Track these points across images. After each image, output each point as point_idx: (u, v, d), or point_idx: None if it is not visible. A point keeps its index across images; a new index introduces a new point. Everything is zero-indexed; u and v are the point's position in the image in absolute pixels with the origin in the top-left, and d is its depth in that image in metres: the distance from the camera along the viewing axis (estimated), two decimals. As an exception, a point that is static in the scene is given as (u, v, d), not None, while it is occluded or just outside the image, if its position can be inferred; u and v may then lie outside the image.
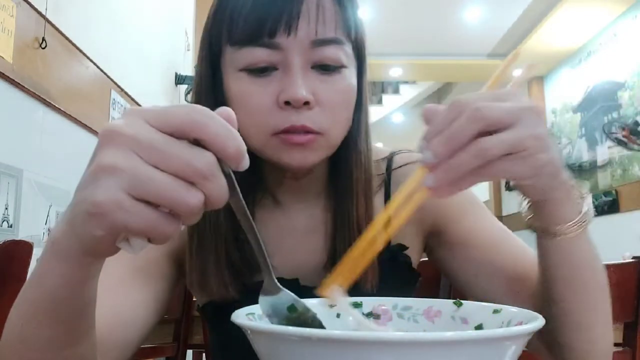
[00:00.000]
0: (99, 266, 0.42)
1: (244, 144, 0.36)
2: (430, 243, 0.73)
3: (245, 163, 0.36)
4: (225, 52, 0.61)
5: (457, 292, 0.73)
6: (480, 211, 0.71)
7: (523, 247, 0.68)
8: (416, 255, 0.73)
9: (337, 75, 0.60)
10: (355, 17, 0.62)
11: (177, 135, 0.34)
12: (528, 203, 0.55)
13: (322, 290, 0.44)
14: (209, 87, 0.63)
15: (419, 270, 0.74)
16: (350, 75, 0.61)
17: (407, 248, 0.70)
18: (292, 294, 0.44)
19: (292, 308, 0.44)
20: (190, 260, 0.65)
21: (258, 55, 0.57)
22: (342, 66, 0.60)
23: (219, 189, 0.35)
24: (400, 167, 0.73)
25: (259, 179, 0.68)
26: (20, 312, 0.45)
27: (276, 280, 0.44)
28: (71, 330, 0.44)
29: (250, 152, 0.62)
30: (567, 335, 0.57)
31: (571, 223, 0.52)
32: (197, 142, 0.35)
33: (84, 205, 0.34)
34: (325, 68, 0.59)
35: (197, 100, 0.64)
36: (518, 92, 0.43)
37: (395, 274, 0.68)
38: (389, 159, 0.74)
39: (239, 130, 0.58)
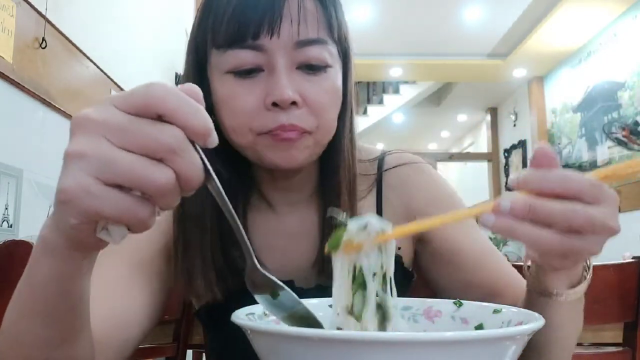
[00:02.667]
0: (89, 262, 0.42)
1: (209, 119, 0.35)
2: (418, 249, 0.74)
3: (213, 139, 0.35)
4: (211, 56, 0.61)
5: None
6: (467, 222, 0.72)
7: (504, 263, 0.70)
8: (408, 256, 0.73)
9: (322, 74, 0.60)
10: (339, 17, 0.63)
11: (143, 114, 0.34)
12: (530, 266, 0.55)
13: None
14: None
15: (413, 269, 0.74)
16: (335, 74, 0.62)
17: (399, 248, 0.70)
18: (270, 276, 0.44)
19: (274, 293, 0.45)
20: (176, 263, 0.65)
21: (243, 57, 0.58)
22: (327, 66, 0.60)
23: (191, 165, 0.34)
24: (392, 168, 0.73)
25: (250, 181, 0.69)
26: (14, 310, 0.45)
27: (258, 265, 0.43)
28: (64, 328, 0.44)
29: (239, 154, 0.63)
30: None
31: (574, 289, 0.52)
32: (164, 121, 0.34)
33: (56, 194, 0.34)
34: (311, 68, 0.60)
35: None
36: (616, 201, 0.42)
37: None
38: (380, 160, 0.75)
39: (226, 132, 0.60)
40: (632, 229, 4.36)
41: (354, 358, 0.33)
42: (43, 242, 0.40)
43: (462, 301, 0.51)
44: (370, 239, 0.44)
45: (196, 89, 0.36)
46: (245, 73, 0.59)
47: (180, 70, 3.10)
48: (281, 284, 0.45)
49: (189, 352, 1.64)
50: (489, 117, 7.90)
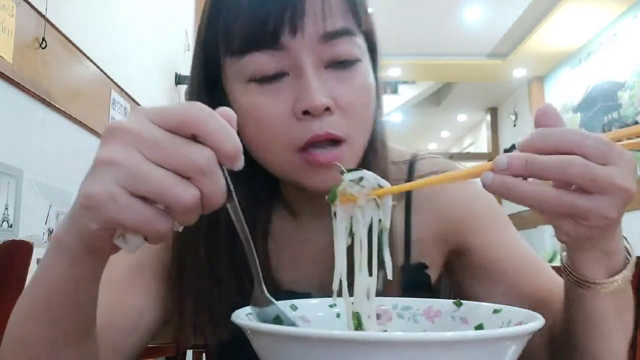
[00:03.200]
0: (101, 266, 0.42)
1: (240, 143, 0.36)
2: (452, 262, 0.69)
3: (240, 163, 0.36)
4: (225, 65, 0.56)
5: (458, 292, 0.71)
6: (506, 229, 0.68)
7: (545, 270, 0.65)
8: (436, 274, 0.69)
9: (353, 70, 0.55)
10: (365, 5, 0.57)
11: (178, 132, 0.35)
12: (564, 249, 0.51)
13: None
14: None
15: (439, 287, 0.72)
16: (366, 69, 0.56)
17: (427, 267, 0.66)
18: (280, 307, 0.44)
19: (277, 319, 0.44)
20: (170, 296, 0.62)
21: (264, 62, 0.52)
22: (357, 60, 0.55)
23: (217, 186, 0.35)
24: (423, 175, 0.67)
25: (275, 191, 0.64)
26: (21, 311, 0.45)
27: (266, 292, 0.44)
28: (71, 329, 0.44)
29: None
30: None
31: (605, 280, 0.47)
32: (196, 140, 0.35)
33: (81, 198, 0.35)
34: (340, 64, 0.54)
35: None
36: (629, 161, 0.39)
37: (413, 293, 0.65)
38: (411, 164, 0.69)
39: (255, 148, 0.55)
40: (632, 229, 4.35)
41: (354, 358, 0.33)
42: (57, 242, 0.40)
43: (462, 301, 0.51)
44: (364, 192, 0.44)
45: (231, 112, 0.37)
46: (268, 80, 0.53)
47: (181, 70, 3.07)
48: (287, 316, 0.44)
49: (189, 352, 1.64)
50: (489, 117, 7.90)
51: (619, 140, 0.41)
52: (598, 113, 5.10)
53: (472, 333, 0.34)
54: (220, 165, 0.35)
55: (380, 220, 0.45)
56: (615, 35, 4.82)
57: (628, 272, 0.47)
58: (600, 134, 0.40)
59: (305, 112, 0.52)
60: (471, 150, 9.22)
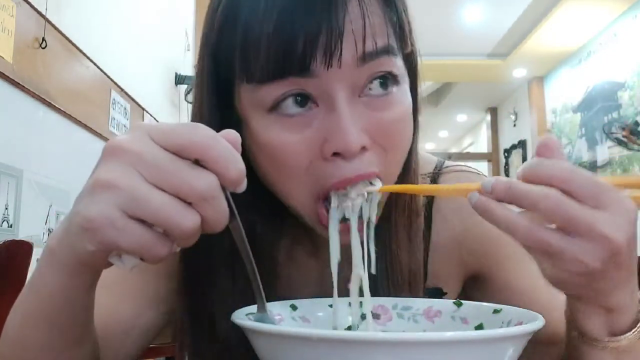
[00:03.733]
0: (95, 277, 0.42)
1: (244, 167, 0.35)
2: (468, 287, 0.66)
3: (243, 186, 0.36)
4: (240, 88, 0.48)
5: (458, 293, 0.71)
6: (528, 262, 0.61)
7: (555, 299, 0.57)
8: (453, 297, 0.65)
9: (391, 97, 0.47)
10: (409, 19, 0.51)
11: (181, 154, 0.34)
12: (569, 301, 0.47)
13: None
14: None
15: None
16: (405, 92, 0.49)
17: (445, 293, 0.62)
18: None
19: None
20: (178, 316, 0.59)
21: (288, 89, 0.44)
22: (396, 82, 0.48)
23: (218, 212, 0.34)
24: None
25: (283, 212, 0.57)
26: (18, 315, 0.45)
27: (269, 312, 0.43)
28: (68, 334, 0.44)
29: None
30: None
31: (616, 337, 0.42)
32: (199, 163, 0.35)
33: (78, 218, 0.34)
34: (378, 90, 0.46)
35: None
36: (626, 211, 0.36)
37: None
38: (434, 177, 0.63)
39: (270, 182, 0.50)
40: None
41: (354, 358, 0.33)
42: (51, 254, 0.40)
43: (462, 301, 0.51)
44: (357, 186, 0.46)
45: (236, 136, 0.36)
46: (294, 110, 0.45)
47: (180, 70, 3.07)
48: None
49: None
50: (488, 117, 7.90)
51: (628, 186, 0.38)
52: (598, 113, 5.10)
53: (472, 333, 0.34)
54: (223, 187, 0.35)
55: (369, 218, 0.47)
56: (615, 35, 4.82)
57: (637, 334, 0.42)
58: (603, 177, 0.38)
59: (336, 153, 0.45)
60: (471, 150, 9.21)
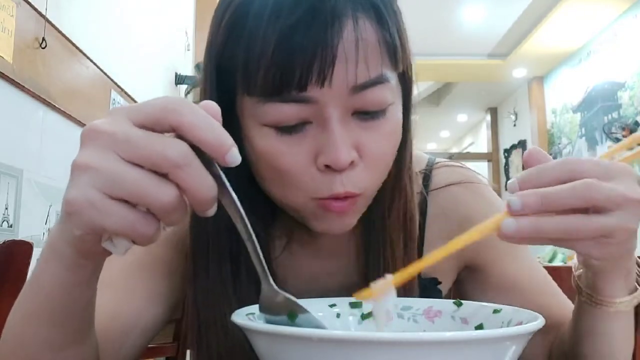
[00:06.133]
0: (96, 270, 0.42)
1: (227, 136, 0.34)
2: (463, 276, 0.68)
3: (233, 158, 0.34)
4: (242, 100, 0.50)
5: (458, 293, 0.71)
6: (521, 248, 0.66)
7: (557, 293, 0.65)
8: (448, 288, 0.68)
9: (381, 118, 0.50)
10: (403, 39, 0.52)
11: (156, 127, 0.34)
12: (578, 269, 0.51)
13: (367, 292, 0.42)
14: None
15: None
16: (396, 110, 0.52)
17: (439, 283, 0.64)
18: (291, 297, 0.41)
19: (292, 315, 0.41)
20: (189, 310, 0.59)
21: (286, 112, 0.47)
22: (388, 105, 0.50)
23: (197, 180, 0.33)
24: (440, 188, 0.65)
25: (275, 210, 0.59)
26: (18, 313, 0.45)
27: (274, 284, 0.41)
28: (68, 331, 0.44)
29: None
30: None
31: (622, 299, 0.47)
32: (177, 136, 0.34)
33: (63, 204, 0.34)
34: (368, 114, 0.49)
35: None
36: (630, 173, 0.40)
37: None
38: (427, 174, 0.66)
39: (267, 187, 0.52)
40: (632, 229, 4.35)
41: (354, 358, 0.33)
42: (50, 248, 0.40)
43: (462, 301, 0.51)
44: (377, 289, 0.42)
45: (215, 106, 0.36)
46: (290, 128, 0.48)
47: (180, 70, 3.08)
48: (302, 305, 0.41)
49: (189, 352, 1.65)
50: (489, 117, 7.90)
51: (614, 156, 0.41)
52: (598, 113, 5.10)
53: (472, 333, 0.34)
54: (212, 161, 0.35)
55: None
56: (616, 35, 4.82)
57: (639, 294, 0.48)
58: (581, 158, 0.40)
59: (328, 166, 0.48)
60: (471, 150, 9.22)
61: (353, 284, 0.59)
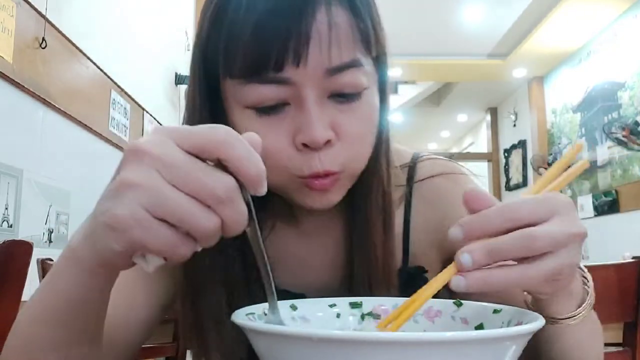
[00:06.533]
0: (113, 277, 0.43)
1: (264, 169, 0.36)
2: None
3: (263, 188, 0.36)
4: (225, 84, 0.54)
5: (458, 293, 0.71)
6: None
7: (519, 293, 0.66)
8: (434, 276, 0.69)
9: (357, 101, 0.53)
10: (375, 25, 0.54)
11: (203, 155, 0.35)
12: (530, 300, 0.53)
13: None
14: (206, 119, 0.56)
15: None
16: (371, 95, 0.55)
17: (426, 271, 0.66)
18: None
19: None
20: (182, 311, 0.61)
21: (265, 93, 0.50)
22: (363, 89, 0.53)
23: (236, 215, 0.35)
24: (423, 179, 0.67)
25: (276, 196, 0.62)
26: (29, 313, 0.46)
27: (280, 315, 0.43)
28: (81, 333, 0.45)
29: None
30: None
31: (574, 313, 0.49)
32: (222, 165, 0.35)
33: (104, 218, 0.35)
34: (344, 96, 0.52)
35: None
36: (569, 204, 0.40)
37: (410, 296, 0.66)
38: (411, 167, 0.68)
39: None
40: (632, 229, 4.35)
41: (354, 358, 0.33)
42: (72, 253, 0.40)
43: (462, 301, 0.51)
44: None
45: (257, 139, 0.37)
46: (269, 109, 0.51)
47: (180, 70, 3.08)
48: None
49: (189, 352, 1.65)
50: (489, 117, 7.90)
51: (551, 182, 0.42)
52: (598, 113, 5.10)
53: (472, 333, 0.34)
54: (243, 190, 0.35)
55: None
56: (615, 35, 4.82)
57: (591, 299, 0.50)
58: (528, 194, 0.41)
59: (305, 145, 0.51)
60: (471, 150, 9.22)
61: (337, 261, 0.64)
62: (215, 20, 0.52)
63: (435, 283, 0.41)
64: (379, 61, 0.56)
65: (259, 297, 0.57)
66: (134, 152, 0.35)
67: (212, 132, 0.35)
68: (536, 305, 0.50)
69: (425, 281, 0.64)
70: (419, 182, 0.67)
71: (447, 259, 0.67)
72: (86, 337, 0.46)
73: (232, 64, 0.51)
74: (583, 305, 0.49)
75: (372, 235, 0.60)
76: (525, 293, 0.52)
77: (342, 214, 0.64)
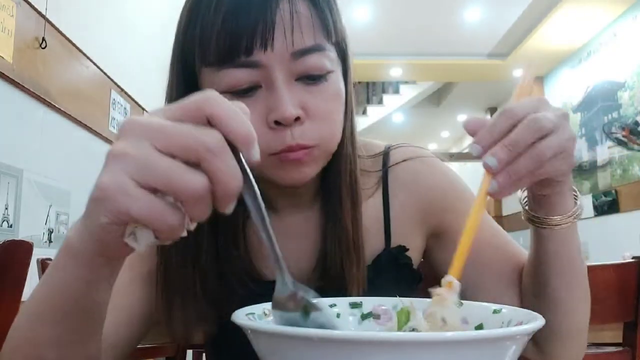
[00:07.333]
0: (113, 270, 0.42)
1: (254, 131, 0.35)
2: (430, 244, 0.73)
3: (256, 151, 0.35)
4: (202, 73, 0.58)
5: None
6: (479, 210, 0.71)
7: (511, 242, 0.71)
8: (417, 255, 0.72)
9: (324, 82, 0.58)
10: (334, 18, 0.60)
11: (192, 118, 0.35)
12: (525, 198, 0.59)
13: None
14: None
15: (421, 269, 0.74)
16: (337, 79, 0.60)
17: (407, 250, 0.69)
18: (306, 296, 0.41)
19: (305, 312, 0.40)
20: (156, 295, 0.64)
21: (238, 76, 0.55)
22: (328, 72, 0.58)
23: (228, 169, 0.34)
24: (398, 163, 0.72)
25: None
26: (28, 311, 0.46)
27: (290, 280, 0.41)
28: (79, 330, 0.45)
29: None
30: (553, 320, 0.60)
31: (568, 214, 0.55)
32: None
33: (93, 190, 0.35)
34: (311, 78, 0.57)
35: None
36: (544, 100, 0.48)
37: (396, 276, 0.68)
38: (385, 155, 0.73)
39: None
40: (632, 229, 4.35)
41: (354, 358, 0.33)
42: (68, 245, 0.40)
43: (462, 301, 0.51)
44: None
45: (245, 107, 0.37)
46: (243, 92, 0.56)
47: (180, 70, 3.02)
48: (316, 303, 0.41)
49: (189, 352, 1.64)
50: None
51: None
52: (598, 113, 5.10)
53: (472, 333, 0.34)
54: (237, 154, 0.35)
55: None
56: (615, 35, 4.83)
57: (579, 209, 0.56)
58: (513, 99, 0.50)
59: (277, 123, 0.55)
60: (471, 150, 9.21)
61: (315, 247, 0.67)
62: (190, 16, 0.58)
63: (479, 199, 0.46)
64: (341, 48, 0.62)
65: (230, 280, 0.62)
66: (124, 125, 0.35)
67: (197, 95, 0.36)
68: (534, 204, 0.56)
69: (407, 259, 0.70)
70: (393, 167, 0.72)
71: (428, 236, 0.72)
72: (86, 334, 0.46)
73: (207, 52, 0.56)
74: (572, 210, 0.56)
75: (342, 212, 0.65)
76: (524, 207, 0.58)
77: (318, 199, 0.68)
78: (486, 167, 0.44)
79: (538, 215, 0.57)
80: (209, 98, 0.35)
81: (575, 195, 0.57)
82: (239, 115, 0.35)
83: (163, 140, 0.34)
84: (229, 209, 0.35)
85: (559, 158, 0.46)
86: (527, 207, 0.58)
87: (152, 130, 0.34)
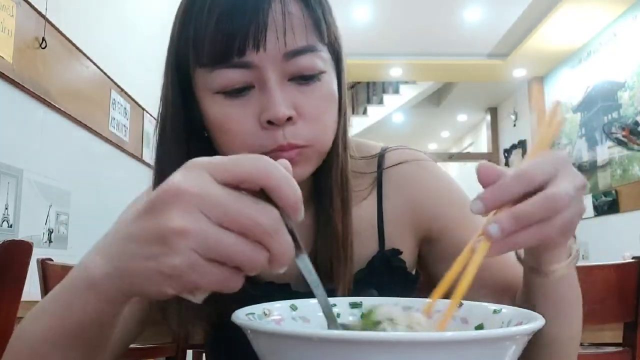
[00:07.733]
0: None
1: (300, 192, 0.36)
2: (424, 249, 0.72)
3: (301, 214, 0.36)
4: (195, 74, 0.58)
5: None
6: (473, 217, 0.70)
7: (509, 256, 0.68)
8: (411, 258, 0.71)
9: (316, 83, 0.58)
10: (327, 18, 0.59)
11: (243, 185, 0.35)
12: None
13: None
14: (178, 113, 0.61)
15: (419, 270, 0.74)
16: (329, 79, 0.60)
17: (401, 252, 0.69)
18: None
19: None
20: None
21: (231, 76, 0.55)
22: (320, 72, 0.58)
23: (284, 246, 0.35)
24: (392, 166, 0.71)
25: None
26: (40, 332, 0.45)
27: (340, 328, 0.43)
28: (90, 353, 0.46)
29: None
30: (542, 350, 0.59)
31: (564, 263, 0.52)
32: (260, 193, 0.35)
33: (156, 265, 0.35)
34: (303, 78, 0.57)
35: (163, 126, 0.61)
36: (567, 159, 0.44)
37: (391, 279, 0.67)
38: (380, 156, 0.73)
39: (225, 151, 0.58)
40: (632, 229, 4.35)
41: (354, 358, 0.33)
42: (90, 280, 0.40)
43: (462, 301, 0.51)
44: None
45: (288, 164, 0.37)
46: (236, 92, 0.56)
47: (180, 70, 3.02)
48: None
49: (189, 352, 1.64)
50: (489, 117, 7.91)
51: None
52: (598, 113, 5.10)
53: (472, 333, 0.34)
54: (287, 217, 0.36)
55: None
56: (615, 35, 4.83)
57: (575, 259, 0.53)
58: (528, 158, 0.45)
59: (270, 122, 0.55)
60: (471, 150, 9.22)
61: (305, 236, 0.66)
62: (184, 17, 0.59)
63: (473, 263, 0.43)
64: (334, 49, 0.61)
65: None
66: (173, 194, 0.35)
67: (253, 162, 0.35)
68: (530, 256, 0.53)
69: (401, 262, 0.69)
70: (388, 169, 0.72)
71: (421, 239, 0.71)
72: (96, 354, 0.47)
73: (201, 53, 0.56)
74: (567, 260, 0.53)
75: (333, 211, 0.64)
76: (519, 253, 0.56)
77: (311, 200, 0.67)
78: (487, 234, 0.42)
79: (529, 264, 0.54)
80: (263, 169, 0.35)
81: (574, 238, 0.54)
82: (291, 183, 0.35)
83: (221, 217, 0.34)
84: (281, 271, 0.37)
85: (562, 234, 0.43)
86: (521, 254, 0.56)
87: (207, 204, 0.34)
